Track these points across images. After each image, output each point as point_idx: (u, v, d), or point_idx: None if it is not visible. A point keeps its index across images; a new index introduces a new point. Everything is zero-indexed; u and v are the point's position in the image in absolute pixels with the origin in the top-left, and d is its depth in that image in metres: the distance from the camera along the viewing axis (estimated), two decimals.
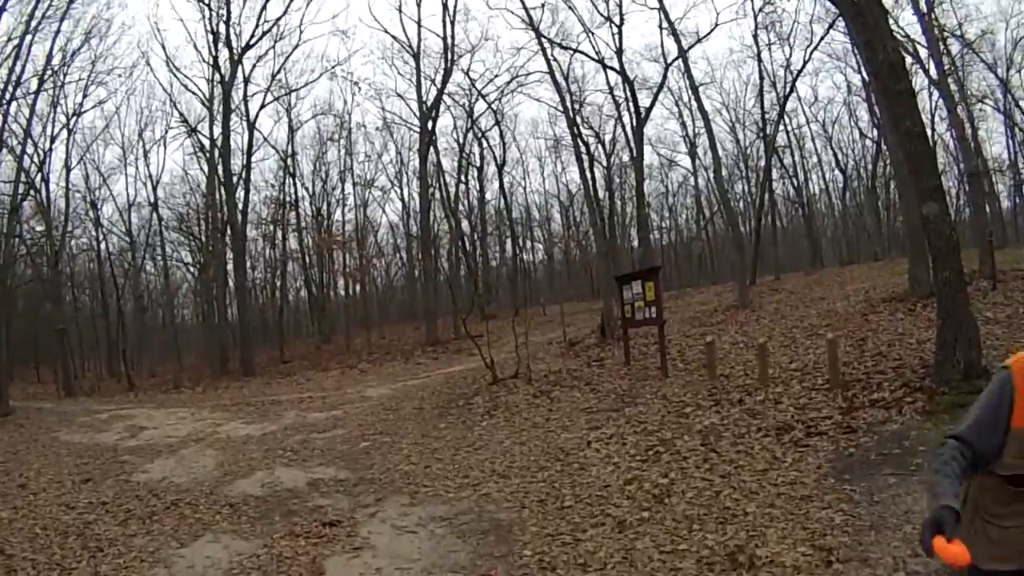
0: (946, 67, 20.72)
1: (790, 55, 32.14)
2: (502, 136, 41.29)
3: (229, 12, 30.06)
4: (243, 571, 6.05)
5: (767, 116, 30.80)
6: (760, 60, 30.14)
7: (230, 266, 32.46)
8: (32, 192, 28.80)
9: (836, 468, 6.51)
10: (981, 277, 13.77)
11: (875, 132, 32.36)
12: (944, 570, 2.81)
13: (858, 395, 8.42)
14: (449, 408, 12.92)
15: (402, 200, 44.34)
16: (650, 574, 5.09)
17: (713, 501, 6.19)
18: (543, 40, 25.65)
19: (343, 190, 41.87)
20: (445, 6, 30.46)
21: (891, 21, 11.47)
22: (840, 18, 20.90)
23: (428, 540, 6.41)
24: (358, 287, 41.24)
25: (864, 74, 26.33)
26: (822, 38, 29.00)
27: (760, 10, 28.21)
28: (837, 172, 40.83)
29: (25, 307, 36.68)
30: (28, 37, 21.61)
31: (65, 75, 27.99)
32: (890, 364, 9.47)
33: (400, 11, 33.82)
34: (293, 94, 36.44)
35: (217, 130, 30.78)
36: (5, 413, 18.92)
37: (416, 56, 31.29)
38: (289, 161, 38.13)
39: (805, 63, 29.91)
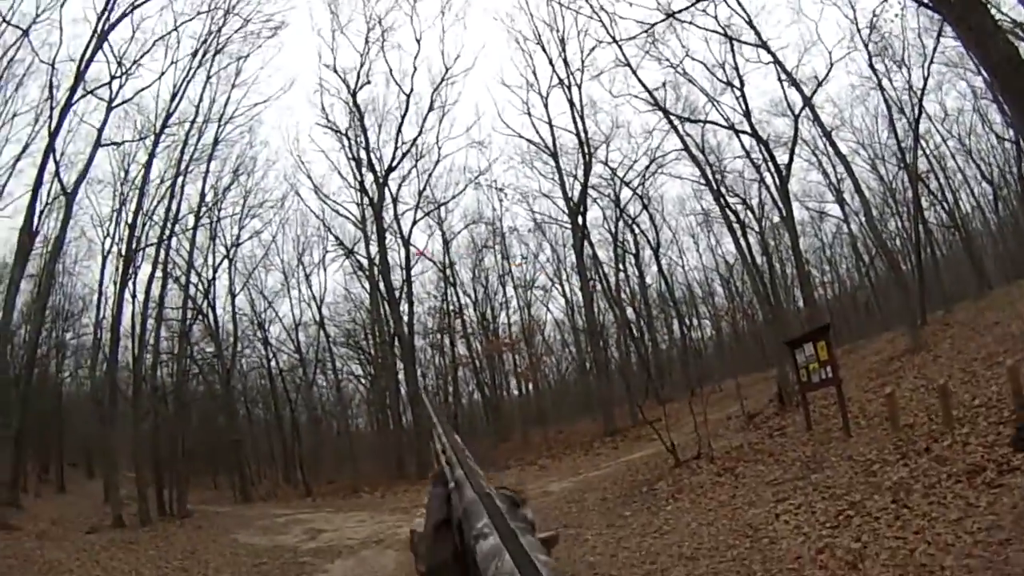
0: None
1: (910, 76, 30.92)
2: (652, 219, 41.44)
3: (367, 139, 32.44)
4: None
5: (903, 145, 29.64)
6: (882, 89, 29.12)
7: (400, 375, 33.78)
8: (200, 316, 30.96)
9: None
10: None
11: (1010, 132, 30.21)
12: None
13: None
14: (633, 495, 13.05)
15: (564, 296, 44.45)
16: None
17: (908, 560, 6.15)
18: (671, 118, 26.29)
19: (504, 293, 42.68)
20: (571, 103, 31.57)
21: (995, 11, 10.87)
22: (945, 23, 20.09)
23: None
24: (530, 385, 41.85)
25: (985, 74, 24.98)
26: (935, 48, 27.59)
27: (869, 39, 27.60)
28: (984, 184, 38.21)
29: (200, 419, 37.63)
30: (180, 179, 24.53)
31: (220, 210, 30.79)
32: None
33: (529, 115, 35.01)
34: (442, 207, 37.98)
35: (373, 249, 32.50)
36: (184, 515, 20.42)
37: (554, 156, 32.39)
38: (448, 271, 39.56)
39: (926, 79, 28.44)
